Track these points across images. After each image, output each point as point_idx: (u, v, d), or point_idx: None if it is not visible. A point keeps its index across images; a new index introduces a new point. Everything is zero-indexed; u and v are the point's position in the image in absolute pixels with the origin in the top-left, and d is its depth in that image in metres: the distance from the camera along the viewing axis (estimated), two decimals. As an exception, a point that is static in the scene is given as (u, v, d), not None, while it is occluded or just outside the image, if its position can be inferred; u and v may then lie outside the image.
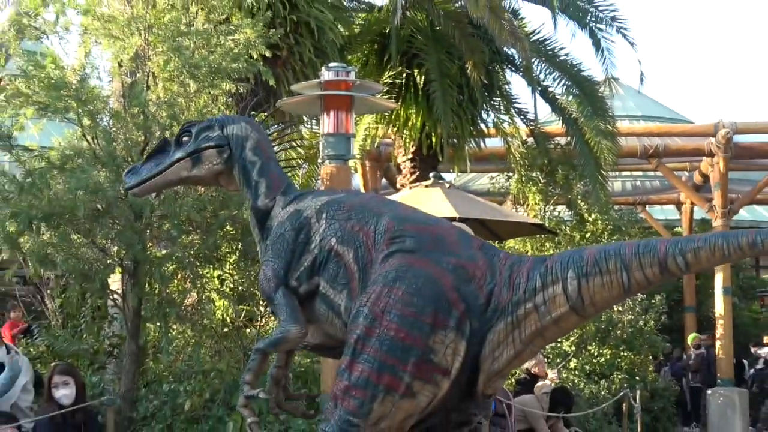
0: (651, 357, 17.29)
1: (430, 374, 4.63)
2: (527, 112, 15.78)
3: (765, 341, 19.92)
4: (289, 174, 13.42)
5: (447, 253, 4.83)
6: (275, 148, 12.71)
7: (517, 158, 15.80)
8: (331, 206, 5.11)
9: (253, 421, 5.10)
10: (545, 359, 12.49)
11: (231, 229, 8.59)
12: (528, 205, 15.95)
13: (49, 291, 10.39)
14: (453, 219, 9.87)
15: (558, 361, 13.89)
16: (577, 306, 4.66)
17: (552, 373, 11.91)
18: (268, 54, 8.73)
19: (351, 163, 8.60)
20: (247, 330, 9.66)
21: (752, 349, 20.50)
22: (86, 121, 7.86)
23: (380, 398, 4.63)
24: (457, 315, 4.66)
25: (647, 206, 23.51)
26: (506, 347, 4.72)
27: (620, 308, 15.56)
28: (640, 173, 23.88)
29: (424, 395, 4.66)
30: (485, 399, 4.87)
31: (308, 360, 8.91)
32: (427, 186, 12.04)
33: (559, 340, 14.47)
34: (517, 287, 4.70)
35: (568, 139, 15.75)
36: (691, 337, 20.49)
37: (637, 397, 14.95)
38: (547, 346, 14.06)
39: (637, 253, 4.58)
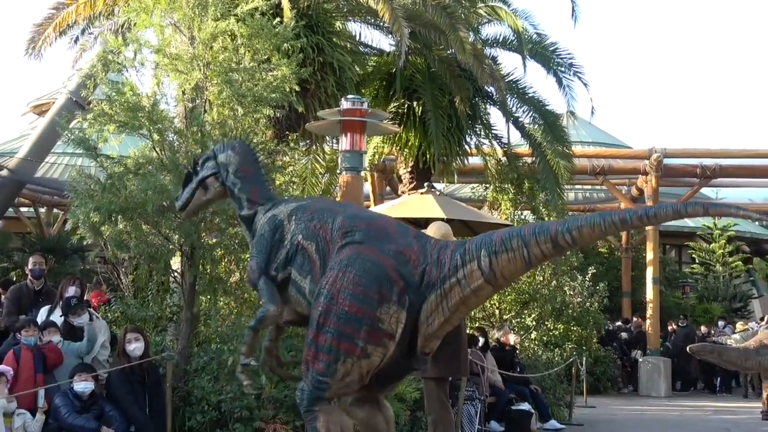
0: (595, 331, 17.24)
1: (380, 339, 4.67)
2: (502, 137, 15.72)
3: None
4: (312, 182, 13.55)
5: (389, 242, 4.82)
6: (302, 160, 12.79)
7: (493, 173, 15.77)
8: (299, 211, 5.14)
9: (248, 383, 5.15)
10: (511, 330, 12.48)
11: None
12: (501, 209, 15.91)
13: (123, 269, 10.39)
14: (442, 219, 9.85)
15: (522, 333, 13.85)
16: (491, 278, 4.62)
17: (513, 337, 11.97)
18: (299, 88, 8.70)
19: (363, 173, 8.57)
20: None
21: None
22: (156, 137, 7.83)
23: (342, 360, 4.66)
24: (397, 290, 4.66)
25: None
26: (437, 314, 4.72)
27: (572, 292, 15.52)
28: (589, 187, 23.85)
29: (377, 355, 4.70)
30: (423, 355, 4.86)
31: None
32: (422, 193, 12.01)
33: (522, 316, 14.45)
34: (443, 266, 4.68)
35: (534, 159, 15.69)
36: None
37: (584, 362, 14.96)
38: (513, 321, 14.05)
39: (534, 233, 4.54)
